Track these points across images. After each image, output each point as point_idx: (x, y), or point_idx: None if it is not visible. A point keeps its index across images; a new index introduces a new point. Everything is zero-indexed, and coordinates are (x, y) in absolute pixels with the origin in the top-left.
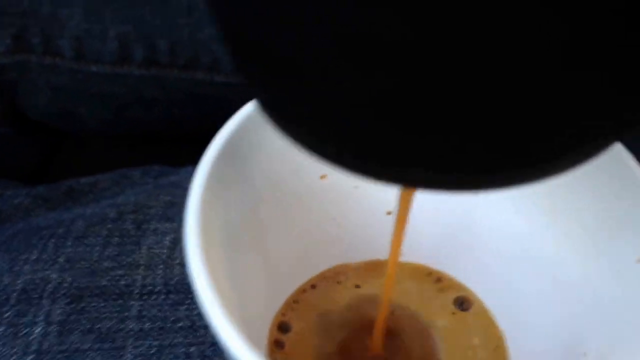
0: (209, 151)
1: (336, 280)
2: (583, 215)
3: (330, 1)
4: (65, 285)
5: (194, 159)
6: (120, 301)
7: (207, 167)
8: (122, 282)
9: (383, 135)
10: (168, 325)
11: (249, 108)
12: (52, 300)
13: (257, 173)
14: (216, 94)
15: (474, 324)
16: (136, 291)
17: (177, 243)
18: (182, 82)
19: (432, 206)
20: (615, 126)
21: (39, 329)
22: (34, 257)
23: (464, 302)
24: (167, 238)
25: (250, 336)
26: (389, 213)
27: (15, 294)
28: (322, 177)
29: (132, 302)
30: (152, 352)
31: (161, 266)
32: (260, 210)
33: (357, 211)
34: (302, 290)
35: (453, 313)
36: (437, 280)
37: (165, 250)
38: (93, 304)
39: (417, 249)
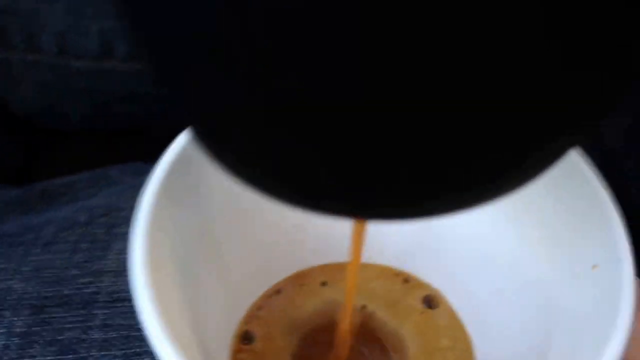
0: (159, 165)
1: (301, 284)
2: (543, 218)
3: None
4: (27, 295)
5: None
6: (83, 311)
7: (157, 181)
8: (87, 290)
9: (299, 165)
10: (133, 333)
11: None
12: (14, 311)
13: (210, 182)
14: None
15: (443, 324)
16: (101, 299)
17: None
18: None
19: None
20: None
21: (1, 342)
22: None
23: (431, 301)
24: None
25: (210, 349)
26: None
27: None
28: None
29: (96, 311)
30: None
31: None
32: (216, 221)
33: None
34: (267, 296)
35: (421, 312)
36: (404, 280)
37: None
38: (55, 315)
39: (384, 251)
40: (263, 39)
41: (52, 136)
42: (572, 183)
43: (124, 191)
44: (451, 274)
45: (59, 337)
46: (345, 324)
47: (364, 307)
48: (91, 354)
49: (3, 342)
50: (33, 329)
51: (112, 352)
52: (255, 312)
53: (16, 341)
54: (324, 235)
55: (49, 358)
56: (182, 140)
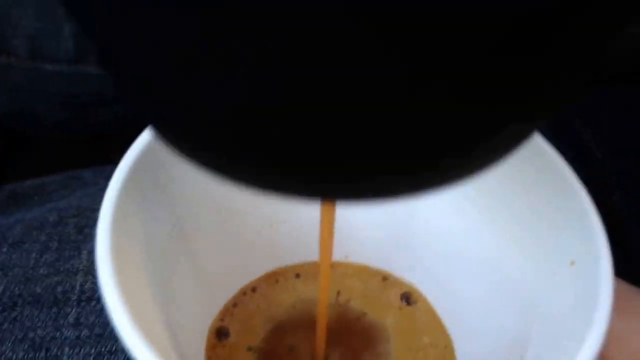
0: (123, 162)
1: (277, 282)
2: (522, 216)
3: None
4: None
5: None
6: (55, 309)
7: (121, 180)
8: (59, 289)
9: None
10: (107, 332)
11: None
12: None
13: (179, 180)
14: None
15: (422, 321)
16: (73, 298)
17: None
18: None
19: (374, 207)
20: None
21: None
22: None
23: (410, 297)
24: None
25: (186, 345)
26: None
27: None
28: None
29: (68, 310)
30: None
31: None
32: (186, 219)
33: (294, 213)
34: (243, 293)
35: (400, 308)
36: (383, 279)
37: None
38: (26, 313)
39: (362, 250)
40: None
41: (26, 141)
42: (550, 180)
43: (97, 193)
44: (429, 271)
45: (31, 335)
46: (322, 319)
47: (342, 303)
48: (64, 351)
49: None
50: (4, 326)
51: (85, 350)
52: (231, 309)
53: None
54: (298, 235)
55: (20, 355)
56: (147, 136)
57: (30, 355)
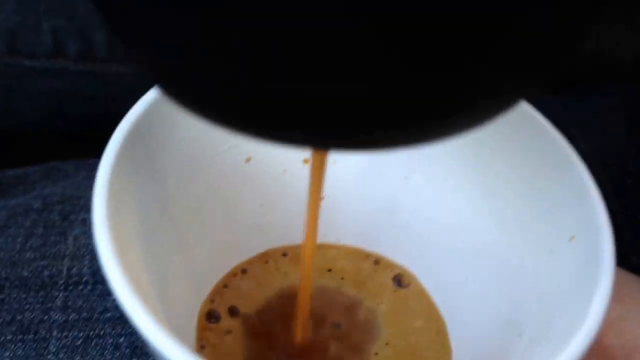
0: (112, 141)
1: (266, 263)
2: (516, 193)
3: None
4: None
5: None
6: (42, 292)
7: (111, 161)
8: (46, 273)
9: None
10: (95, 316)
11: (155, 92)
12: None
13: (171, 158)
14: None
15: (415, 304)
16: (61, 282)
17: None
18: (121, 77)
19: (364, 186)
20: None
21: None
22: None
23: (402, 279)
24: None
25: (176, 327)
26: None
27: None
28: (247, 159)
29: (56, 293)
30: (77, 343)
31: (88, 256)
32: (177, 199)
33: (286, 196)
34: (233, 274)
35: (394, 291)
36: (375, 262)
37: (92, 241)
38: (14, 295)
39: (353, 233)
40: None
41: (4, 137)
42: (548, 155)
43: (81, 181)
44: (421, 253)
45: (19, 317)
46: (306, 298)
47: (333, 286)
48: (52, 334)
49: None
50: None
51: (74, 334)
52: (221, 290)
53: None
54: (289, 216)
55: (9, 337)
56: (138, 111)
57: (18, 338)
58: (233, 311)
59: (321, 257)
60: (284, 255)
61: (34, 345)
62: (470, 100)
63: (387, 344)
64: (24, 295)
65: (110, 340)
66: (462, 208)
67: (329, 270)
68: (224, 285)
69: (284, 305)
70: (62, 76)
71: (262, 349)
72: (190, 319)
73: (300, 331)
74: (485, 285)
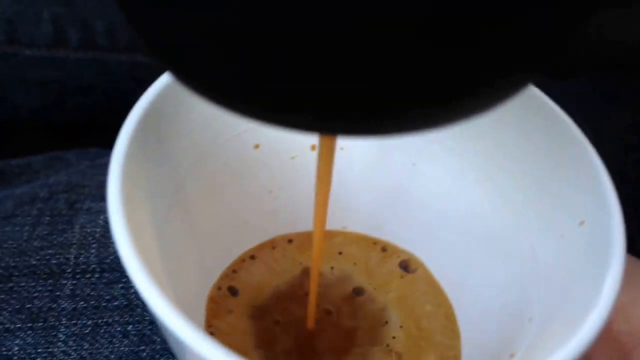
0: (126, 126)
1: (276, 250)
2: (525, 178)
3: None
4: None
5: None
6: (51, 280)
7: (125, 145)
8: (54, 262)
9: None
10: (103, 304)
11: (167, 78)
12: None
13: (182, 144)
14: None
15: (423, 289)
16: (68, 270)
17: None
18: (122, 66)
19: (372, 172)
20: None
21: None
22: None
23: (408, 265)
24: (102, 217)
25: (187, 311)
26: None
27: None
28: (256, 146)
29: (64, 282)
30: (86, 331)
31: (95, 245)
32: (188, 185)
33: (294, 182)
34: (242, 260)
35: (401, 277)
36: (382, 248)
37: (99, 229)
38: (22, 284)
39: (359, 220)
40: None
41: (4, 127)
42: (558, 140)
43: (83, 171)
44: (428, 238)
45: (28, 305)
46: (316, 284)
47: (341, 273)
48: (61, 322)
49: None
50: (0, 296)
51: (82, 321)
52: (230, 274)
53: None
54: (296, 203)
55: (18, 325)
56: (146, 100)
57: (28, 326)
58: (241, 295)
59: (328, 243)
60: (290, 241)
61: (43, 334)
62: (478, 83)
63: (401, 326)
64: (32, 284)
65: (119, 328)
66: (471, 193)
67: (335, 254)
68: (233, 270)
69: (294, 291)
70: (62, 65)
71: (272, 333)
72: (200, 303)
73: (312, 316)
74: (494, 271)
